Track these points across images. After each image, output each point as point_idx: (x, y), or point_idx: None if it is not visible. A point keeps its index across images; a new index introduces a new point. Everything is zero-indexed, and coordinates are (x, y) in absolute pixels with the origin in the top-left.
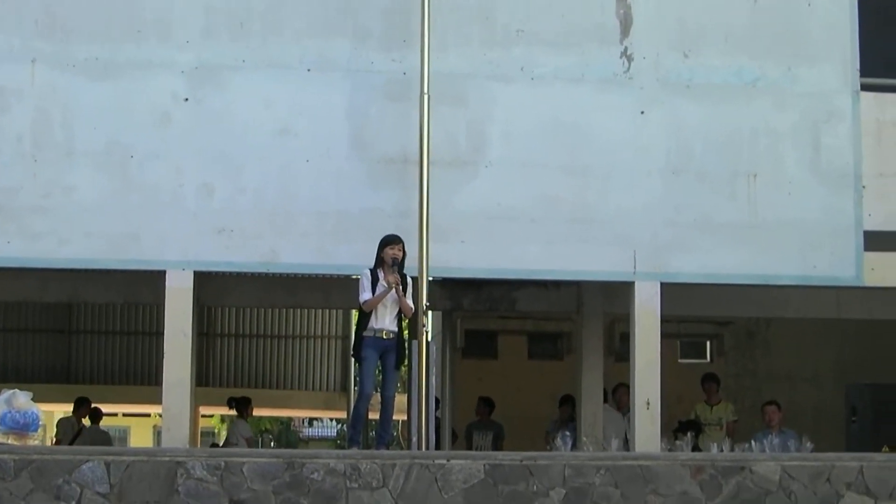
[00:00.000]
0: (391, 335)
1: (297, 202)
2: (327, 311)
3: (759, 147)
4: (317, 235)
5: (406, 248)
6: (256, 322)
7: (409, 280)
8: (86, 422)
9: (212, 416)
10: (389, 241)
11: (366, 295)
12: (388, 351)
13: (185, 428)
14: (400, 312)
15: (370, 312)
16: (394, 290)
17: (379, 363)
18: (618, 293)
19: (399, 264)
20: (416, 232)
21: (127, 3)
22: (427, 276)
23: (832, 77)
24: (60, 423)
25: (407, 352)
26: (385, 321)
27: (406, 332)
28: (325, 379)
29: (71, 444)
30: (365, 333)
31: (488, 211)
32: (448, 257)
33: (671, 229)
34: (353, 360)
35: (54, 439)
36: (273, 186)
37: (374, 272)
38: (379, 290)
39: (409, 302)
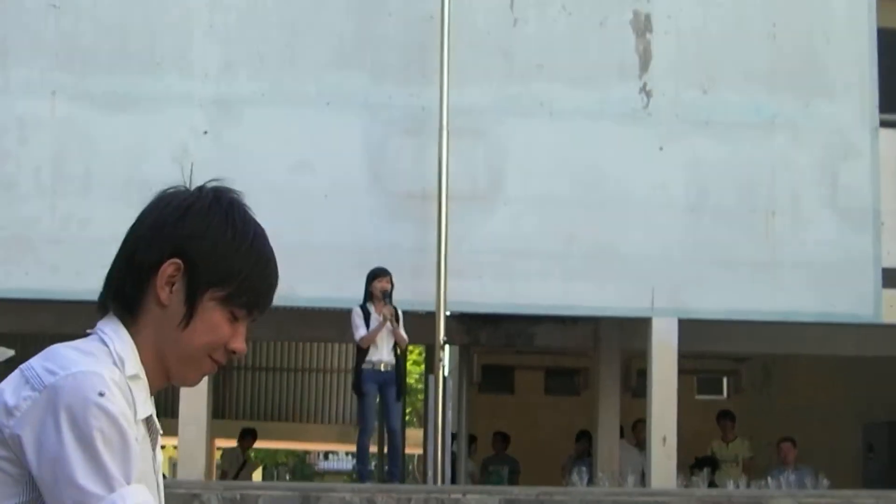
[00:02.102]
0: (389, 367)
1: (314, 237)
2: (342, 345)
3: (778, 184)
4: (334, 270)
5: (424, 284)
6: (272, 355)
7: (399, 312)
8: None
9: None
10: (377, 273)
11: (361, 331)
12: (387, 383)
13: (200, 460)
14: (396, 344)
15: (368, 347)
16: (394, 323)
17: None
18: (635, 329)
19: (388, 296)
20: (434, 267)
21: (146, 37)
22: (444, 311)
23: (851, 113)
24: (225, 453)
25: (411, 383)
26: (382, 353)
27: (422, 366)
28: (340, 412)
29: (236, 475)
30: (364, 367)
31: (506, 247)
32: (466, 292)
33: (689, 266)
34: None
35: (219, 470)
36: (290, 221)
37: (364, 307)
38: (373, 324)
39: (403, 333)
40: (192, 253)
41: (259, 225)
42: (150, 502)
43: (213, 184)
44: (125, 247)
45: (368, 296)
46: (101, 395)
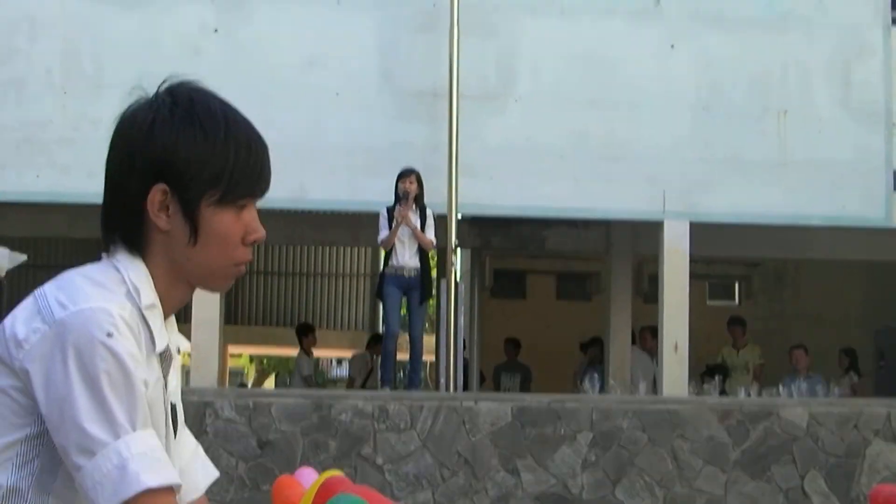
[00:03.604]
0: (413, 272)
1: (325, 136)
2: (356, 248)
3: (790, 83)
4: (346, 170)
5: (436, 185)
6: (285, 260)
7: (430, 213)
8: None
9: (240, 355)
10: (401, 174)
11: (382, 234)
12: (411, 288)
13: (213, 367)
14: (420, 248)
15: (391, 250)
16: (406, 224)
17: (405, 301)
18: (647, 233)
19: (416, 197)
20: (446, 167)
21: None
22: (456, 213)
23: (864, 9)
24: (354, 359)
25: (434, 290)
26: (405, 257)
27: (434, 270)
28: (354, 318)
29: (364, 383)
30: (387, 271)
31: (517, 146)
32: (477, 194)
33: (700, 167)
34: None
35: (347, 378)
36: (301, 120)
37: (391, 209)
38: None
39: (430, 235)
40: (171, 171)
41: (225, 106)
42: (155, 449)
43: (167, 84)
44: (107, 183)
45: (397, 197)
46: (109, 335)
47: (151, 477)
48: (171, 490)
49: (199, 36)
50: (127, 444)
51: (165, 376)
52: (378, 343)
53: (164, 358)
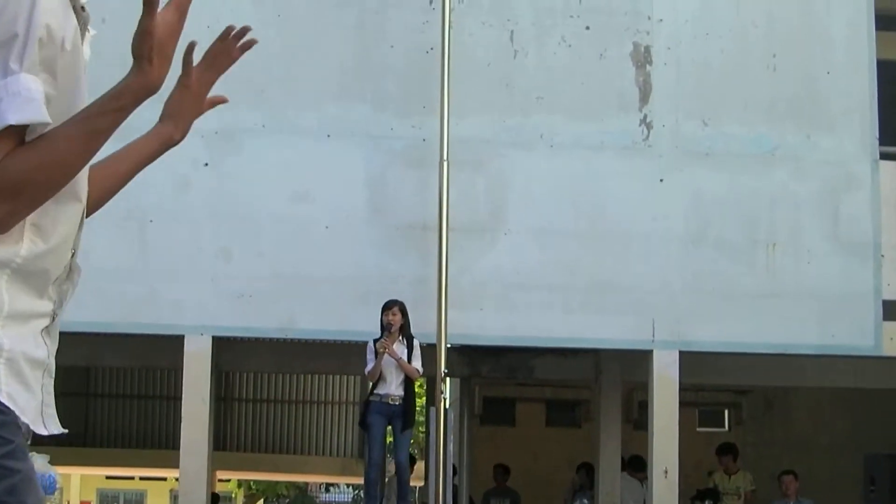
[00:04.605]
0: (398, 400)
1: (315, 268)
2: (344, 377)
3: (779, 216)
4: (335, 302)
5: (425, 316)
6: (274, 387)
7: (416, 343)
8: None
9: (228, 480)
10: (385, 306)
11: (368, 366)
12: (395, 416)
13: (202, 492)
14: (406, 377)
15: (378, 380)
16: (389, 354)
17: (390, 430)
18: (636, 361)
19: (402, 327)
20: (435, 299)
21: None
22: (445, 343)
23: (851, 145)
24: None
25: (416, 416)
26: (391, 387)
27: (423, 398)
28: (342, 444)
29: None
30: (371, 399)
31: (507, 278)
32: (467, 325)
33: (690, 298)
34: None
35: None
36: (291, 252)
37: (378, 341)
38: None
39: (416, 365)
40: None
41: None
42: (32, 91)
43: None
44: None
45: (382, 328)
46: None
47: (16, 116)
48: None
49: (190, 170)
50: (7, 83)
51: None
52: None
53: (82, 20)
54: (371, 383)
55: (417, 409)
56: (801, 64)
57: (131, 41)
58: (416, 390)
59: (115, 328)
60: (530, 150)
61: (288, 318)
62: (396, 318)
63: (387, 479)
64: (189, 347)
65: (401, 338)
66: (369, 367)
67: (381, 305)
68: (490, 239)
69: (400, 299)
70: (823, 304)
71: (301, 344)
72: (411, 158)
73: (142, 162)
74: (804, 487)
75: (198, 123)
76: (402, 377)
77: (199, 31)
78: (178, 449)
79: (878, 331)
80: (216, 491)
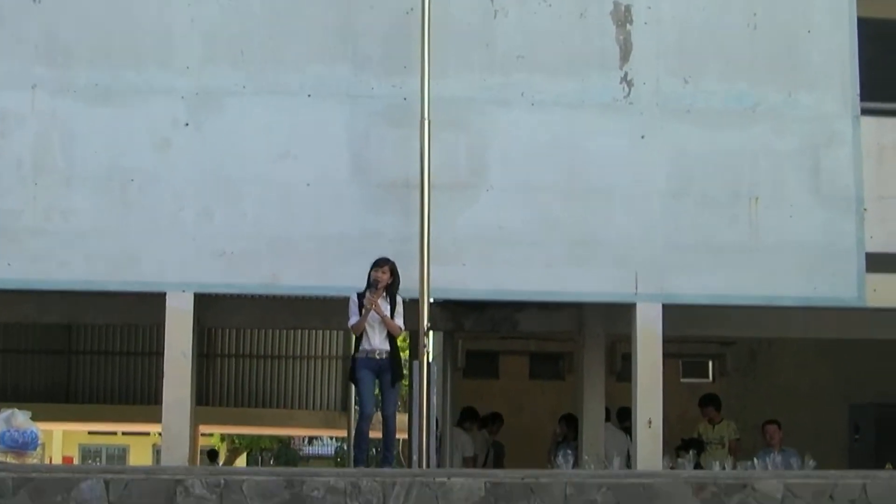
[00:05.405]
0: (383, 354)
1: (297, 226)
2: (327, 332)
3: (760, 170)
4: (317, 259)
5: (408, 272)
6: (257, 342)
7: (399, 301)
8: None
9: (211, 434)
10: (376, 263)
11: (352, 319)
12: (383, 370)
13: (184, 447)
14: (389, 333)
15: (362, 335)
16: (375, 310)
17: (377, 383)
18: (619, 314)
19: (390, 285)
20: (418, 255)
21: (127, 29)
22: (428, 297)
23: (832, 102)
24: (476, 438)
25: (405, 370)
26: (375, 341)
27: (406, 352)
28: (326, 398)
29: (485, 461)
30: (357, 355)
31: (489, 234)
32: (449, 280)
33: (672, 251)
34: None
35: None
36: (273, 210)
37: (361, 295)
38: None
39: (399, 322)
40: None
41: None
42: None
43: None
44: None
45: (369, 283)
46: None
47: None
48: None
49: (171, 129)
50: None
51: None
52: (495, 421)
53: None
54: (355, 340)
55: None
56: (781, 21)
57: None
58: (400, 344)
59: (97, 286)
60: (511, 108)
61: (270, 274)
62: (385, 276)
63: None
64: (171, 304)
65: (385, 295)
66: (353, 320)
67: (368, 262)
68: (472, 196)
69: (374, 257)
70: (806, 256)
71: (284, 300)
72: (393, 118)
73: None
74: (788, 437)
75: (179, 84)
76: (385, 332)
77: None
78: (161, 404)
79: (861, 282)
80: (213, 447)
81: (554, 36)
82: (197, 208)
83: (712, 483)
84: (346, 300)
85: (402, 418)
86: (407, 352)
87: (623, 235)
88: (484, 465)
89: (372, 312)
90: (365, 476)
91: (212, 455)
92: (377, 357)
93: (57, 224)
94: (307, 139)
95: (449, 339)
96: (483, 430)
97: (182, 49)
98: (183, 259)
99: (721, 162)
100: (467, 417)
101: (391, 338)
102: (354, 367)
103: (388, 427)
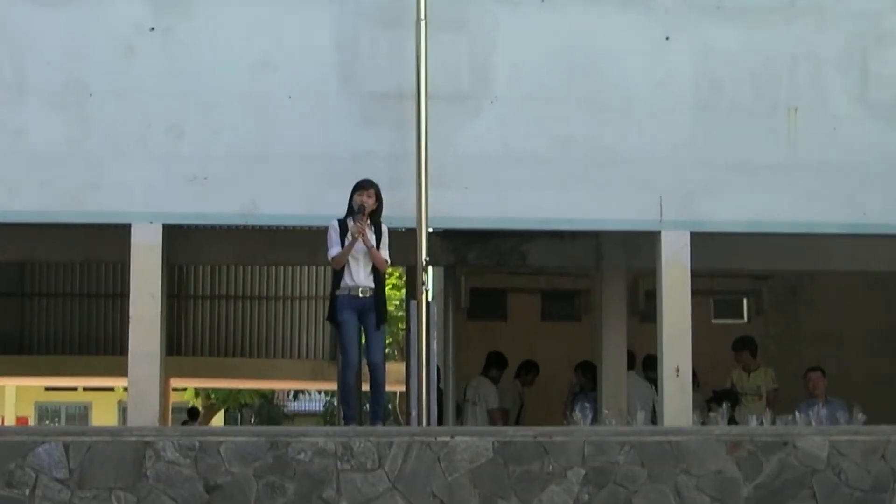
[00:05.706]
0: (368, 292)
1: (278, 145)
2: (314, 268)
3: (800, 77)
4: (301, 183)
5: (403, 197)
6: (234, 282)
7: (385, 229)
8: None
9: (184, 389)
10: (358, 186)
11: (333, 250)
12: (366, 311)
13: (154, 403)
14: (374, 267)
15: (343, 269)
16: (362, 240)
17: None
18: (642, 245)
19: (373, 212)
20: (414, 177)
21: None
22: (426, 227)
23: None
24: (506, 387)
25: (391, 310)
26: (359, 277)
27: (403, 290)
28: (313, 346)
29: (518, 417)
30: (339, 293)
31: (494, 153)
32: (450, 206)
33: (701, 172)
34: (330, 325)
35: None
36: (251, 127)
37: (343, 223)
38: (346, 241)
39: (385, 254)
40: None
41: None
42: None
43: None
44: None
45: (351, 210)
46: None
47: None
48: None
49: (134, 36)
50: None
51: None
52: (531, 372)
53: None
54: (334, 275)
55: (396, 302)
56: None
57: None
58: (396, 282)
59: (53, 217)
60: (519, 5)
61: (249, 201)
62: (371, 201)
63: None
64: (137, 237)
65: (369, 223)
66: (334, 251)
67: (353, 185)
68: (474, 108)
69: (379, 179)
70: (852, 176)
71: (264, 231)
72: (384, 18)
73: None
74: (834, 386)
75: None
76: (370, 266)
77: None
78: (127, 355)
79: None
80: (193, 405)
81: None
82: (164, 126)
83: (748, 440)
84: None
85: (399, 368)
86: (403, 290)
87: (645, 153)
88: (517, 421)
89: (356, 244)
90: (357, 436)
91: (192, 414)
92: (361, 295)
93: (5, 146)
94: (288, 44)
95: (450, 274)
96: (516, 381)
97: None
98: (149, 185)
99: (755, 67)
100: (493, 364)
101: (376, 273)
102: (335, 306)
103: (377, 377)
